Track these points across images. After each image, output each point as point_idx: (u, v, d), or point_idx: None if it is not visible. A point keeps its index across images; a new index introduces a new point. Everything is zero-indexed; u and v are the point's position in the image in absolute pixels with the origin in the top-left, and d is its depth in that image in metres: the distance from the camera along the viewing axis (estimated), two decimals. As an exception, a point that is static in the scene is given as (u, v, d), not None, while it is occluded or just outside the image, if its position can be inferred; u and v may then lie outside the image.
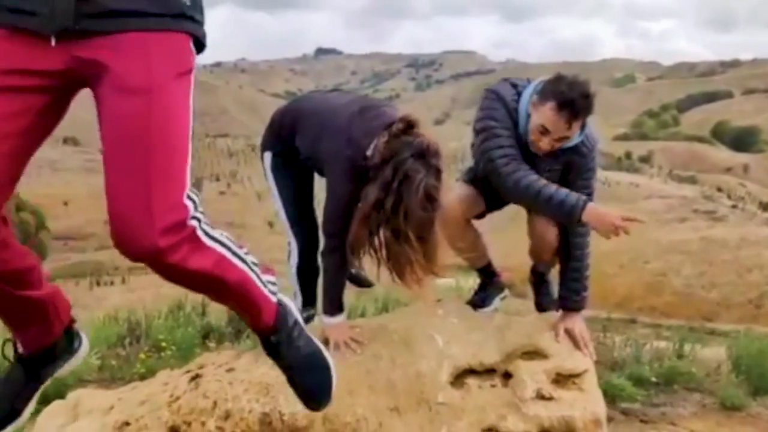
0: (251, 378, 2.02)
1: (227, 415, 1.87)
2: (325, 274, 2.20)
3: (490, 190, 2.43)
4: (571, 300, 2.37)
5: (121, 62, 1.07)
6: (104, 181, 1.11)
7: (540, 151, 2.24)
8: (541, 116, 2.15)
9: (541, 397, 1.99)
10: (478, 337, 2.24)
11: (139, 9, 1.07)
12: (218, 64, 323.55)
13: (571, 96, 2.08)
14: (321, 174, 2.25)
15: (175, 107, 1.12)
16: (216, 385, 2.01)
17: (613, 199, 77.25)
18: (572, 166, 2.36)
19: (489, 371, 2.12)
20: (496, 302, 2.62)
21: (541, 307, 2.70)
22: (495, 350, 2.18)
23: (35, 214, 31.99)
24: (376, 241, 1.86)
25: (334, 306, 2.18)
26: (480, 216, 2.58)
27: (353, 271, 2.55)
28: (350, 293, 2.63)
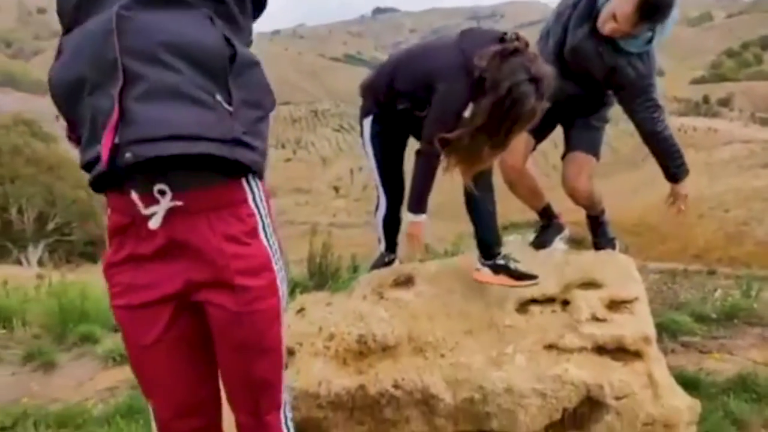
0: (346, 309, 2.43)
1: (331, 337, 2.28)
2: (419, 175, 2.31)
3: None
4: (669, 174, 2.76)
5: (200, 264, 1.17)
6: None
7: (601, 31, 2.46)
8: (617, 3, 2.37)
9: (595, 319, 2.29)
10: (539, 272, 2.55)
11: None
12: (277, 32, 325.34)
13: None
14: (416, 132, 2.40)
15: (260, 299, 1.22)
16: (319, 315, 2.43)
17: (689, 147, 73.66)
18: (621, 79, 2.56)
19: (549, 300, 2.44)
20: (556, 242, 2.91)
21: (598, 247, 2.98)
22: (555, 283, 2.49)
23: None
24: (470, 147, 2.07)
25: (420, 205, 2.34)
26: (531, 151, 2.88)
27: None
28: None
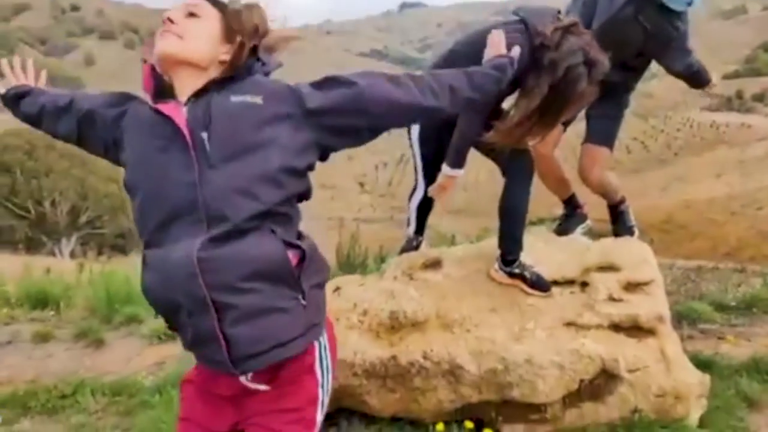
0: (379, 288, 2.63)
1: (365, 312, 2.48)
2: (461, 132, 2.38)
3: None
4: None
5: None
6: None
7: None
8: None
9: (612, 299, 2.45)
10: (561, 257, 2.72)
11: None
12: (304, 28, 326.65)
13: None
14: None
15: None
16: (353, 293, 2.63)
17: (721, 143, 72.37)
18: (662, 39, 2.74)
19: (569, 282, 2.60)
20: (578, 231, 3.07)
21: (617, 234, 3.12)
22: (575, 267, 2.65)
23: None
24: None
25: (459, 161, 2.43)
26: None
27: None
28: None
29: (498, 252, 2.61)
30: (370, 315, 2.47)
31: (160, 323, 4.08)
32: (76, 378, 3.24)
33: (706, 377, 2.42)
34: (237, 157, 1.16)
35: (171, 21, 1.24)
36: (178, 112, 1.21)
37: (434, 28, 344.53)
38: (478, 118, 2.31)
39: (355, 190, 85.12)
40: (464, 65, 2.33)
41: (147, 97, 1.30)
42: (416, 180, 2.80)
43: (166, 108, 1.21)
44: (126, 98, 1.38)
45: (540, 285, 2.53)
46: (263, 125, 1.19)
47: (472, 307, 2.51)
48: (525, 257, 2.60)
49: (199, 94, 1.22)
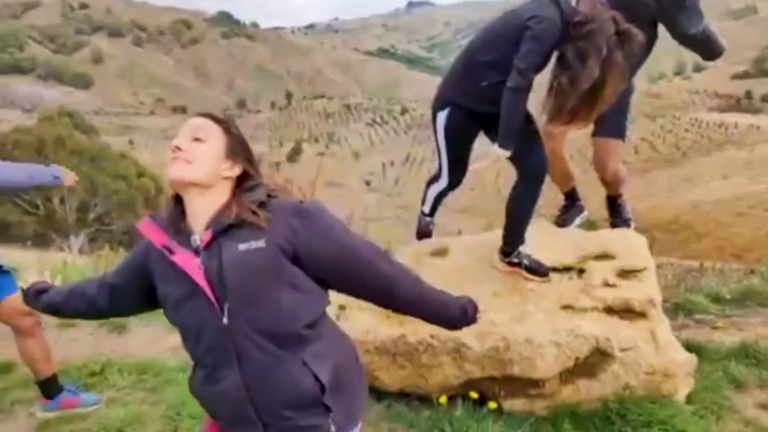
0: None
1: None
2: (510, 110, 2.42)
3: None
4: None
5: None
6: None
7: None
8: None
9: (606, 285, 2.63)
10: (560, 246, 2.90)
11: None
12: (311, 26, 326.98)
13: None
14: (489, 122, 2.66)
15: None
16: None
17: (730, 144, 72.16)
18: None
19: (567, 269, 2.78)
20: (576, 222, 3.25)
21: (615, 226, 3.30)
22: (573, 254, 2.83)
23: (154, 180, 34.78)
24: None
25: (510, 140, 2.47)
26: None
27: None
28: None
29: (501, 243, 2.79)
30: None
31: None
32: (103, 358, 3.44)
33: (693, 357, 2.60)
34: (252, 302, 1.28)
35: (179, 148, 1.36)
36: (193, 264, 1.30)
37: (442, 26, 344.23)
38: (524, 95, 2.41)
39: (362, 189, 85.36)
40: (487, 45, 2.53)
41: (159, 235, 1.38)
42: (439, 168, 2.93)
43: (181, 260, 1.31)
44: (143, 249, 1.46)
45: (538, 270, 2.71)
46: (269, 269, 1.29)
47: (477, 291, 2.67)
48: (524, 247, 2.79)
49: (210, 244, 1.31)
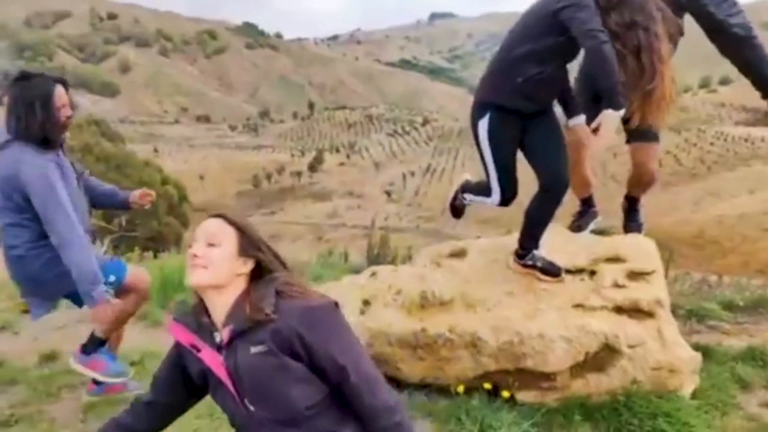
0: (411, 273, 3.01)
1: (398, 292, 2.86)
2: (604, 68, 2.42)
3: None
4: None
5: None
6: None
7: None
8: None
9: (616, 286, 2.79)
10: (573, 249, 3.07)
11: None
12: (335, 37, 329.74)
13: None
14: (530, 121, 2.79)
15: None
16: (388, 276, 3.02)
17: (757, 158, 71.18)
18: None
19: (579, 270, 2.94)
20: (591, 226, 3.40)
21: (628, 230, 3.45)
22: (585, 257, 2.99)
23: (177, 188, 35.47)
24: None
25: (617, 94, 2.45)
26: None
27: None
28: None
29: (517, 245, 2.97)
30: (403, 294, 2.85)
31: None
32: (143, 348, 3.67)
33: (698, 355, 2.74)
34: (265, 399, 1.43)
35: (196, 256, 1.51)
36: (217, 362, 1.46)
37: (464, 38, 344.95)
38: (607, 45, 2.43)
39: (382, 199, 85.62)
40: (520, 37, 2.69)
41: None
42: (488, 184, 2.92)
43: (207, 357, 1.48)
44: (175, 346, 1.61)
45: (551, 271, 2.88)
46: (277, 371, 1.41)
47: (492, 290, 2.88)
48: (539, 250, 2.96)
49: (229, 343, 1.46)
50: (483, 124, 2.81)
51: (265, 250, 1.55)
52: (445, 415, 2.65)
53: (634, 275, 2.86)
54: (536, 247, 2.93)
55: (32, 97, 2.54)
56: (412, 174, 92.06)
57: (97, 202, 3.02)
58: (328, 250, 7.22)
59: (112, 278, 2.78)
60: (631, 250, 3.00)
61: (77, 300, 2.82)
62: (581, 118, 2.90)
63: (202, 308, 1.54)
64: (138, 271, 3.00)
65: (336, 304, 1.49)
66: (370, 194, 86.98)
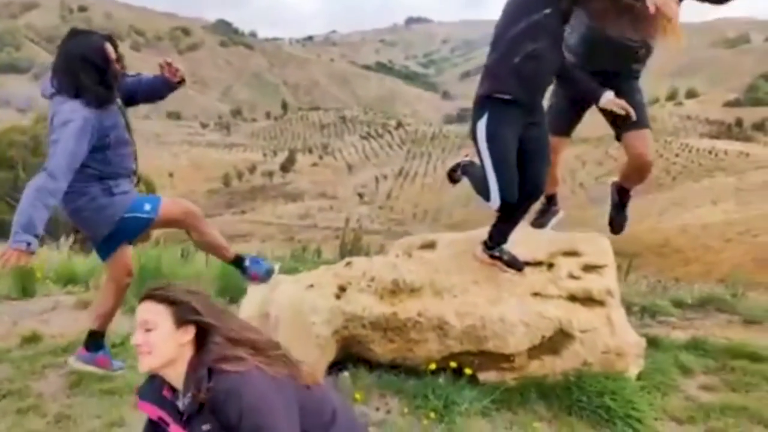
0: (384, 262, 3.22)
1: (372, 279, 3.06)
2: (576, 78, 2.97)
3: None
4: None
5: None
6: None
7: None
8: None
9: (571, 277, 3.05)
10: (534, 243, 3.32)
11: None
12: (310, 38, 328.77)
13: None
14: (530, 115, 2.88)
15: None
16: (363, 265, 3.22)
17: (719, 170, 73.23)
18: None
19: (539, 263, 3.19)
20: (552, 223, 3.66)
21: (613, 222, 3.62)
22: (544, 252, 3.24)
23: (146, 184, 35.16)
24: None
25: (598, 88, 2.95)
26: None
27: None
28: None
29: (486, 237, 3.19)
30: (376, 281, 3.05)
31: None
32: (123, 331, 3.80)
33: (642, 340, 3.01)
34: None
35: (138, 345, 1.58)
36: None
37: (439, 43, 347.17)
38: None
39: (354, 201, 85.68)
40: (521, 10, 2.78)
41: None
42: (486, 188, 2.91)
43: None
44: (150, 423, 1.69)
45: (515, 264, 3.12)
46: None
47: (459, 279, 3.10)
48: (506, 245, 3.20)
49: (189, 419, 1.54)
50: (481, 124, 2.88)
51: (202, 309, 1.61)
52: (414, 393, 2.86)
53: (589, 268, 3.12)
54: (504, 242, 3.16)
55: (84, 53, 2.70)
56: (385, 177, 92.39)
57: (149, 96, 3.16)
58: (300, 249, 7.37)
59: (147, 206, 2.94)
60: (586, 246, 3.26)
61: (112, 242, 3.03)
62: (610, 94, 2.95)
63: (161, 381, 1.64)
64: (172, 203, 3.07)
65: (264, 372, 1.52)
66: (343, 196, 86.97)
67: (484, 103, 2.91)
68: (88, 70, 2.72)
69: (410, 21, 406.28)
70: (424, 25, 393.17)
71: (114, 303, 3.25)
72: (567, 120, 3.48)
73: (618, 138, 3.30)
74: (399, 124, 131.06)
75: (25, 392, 3.02)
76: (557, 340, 2.89)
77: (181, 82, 3.14)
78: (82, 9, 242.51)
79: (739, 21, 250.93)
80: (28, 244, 2.55)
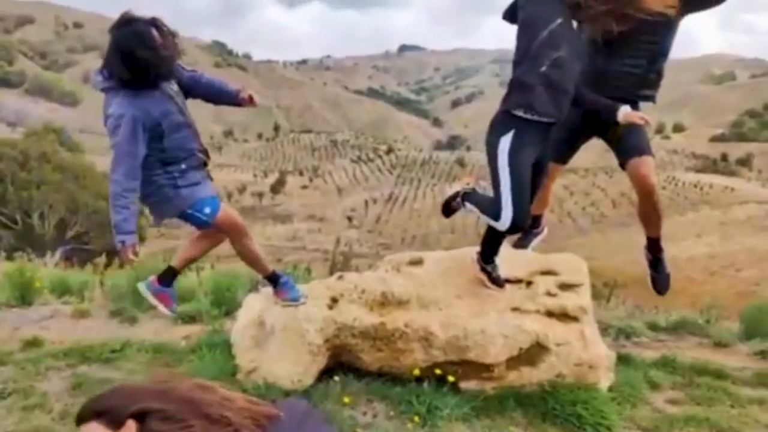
0: (373, 276, 3.43)
1: (363, 291, 3.27)
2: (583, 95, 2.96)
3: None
4: None
5: None
6: None
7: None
8: None
9: (548, 294, 3.27)
10: (515, 262, 3.54)
11: None
12: (304, 62, 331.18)
13: None
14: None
15: None
16: (353, 279, 3.43)
17: (704, 203, 74.18)
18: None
19: (518, 281, 3.42)
20: (534, 243, 3.89)
21: (655, 282, 3.62)
22: (524, 270, 3.47)
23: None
24: None
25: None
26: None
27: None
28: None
29: (480, 248, 3.35)
30: (366, 293, 3.26)
31: (184, 308, 4.83)
32: (122, 338, 3.97)
33: (613, 354, 3.23)
34: None
35: None
36: None
37: (431, 71, 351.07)
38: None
39: (343, 224, 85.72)
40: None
41: None
42: (497, 206, 2.90)
43: None
44: None
45: (497, 282, 3.34)
46: None
47: (444, 293, 3.32)
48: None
49: None
50: (506, 141, 2.86)
51: (130, 401, 1.40)
52: (399, 399, 3.06)
53: (565, 286, 3.35)
54: (496, 254, 3.31)
55: (122, 43, 2.75)
56: (375, 201, 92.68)
57: (206, 98, 3.26)
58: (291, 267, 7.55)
59: (207, 210, 3.10)
60: (563, 266, 3.50)
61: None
62: (626, 107, 3.03)
63: None
64: (225, 215, 3.17)
65: None
66: (332, 219, 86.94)
67: (510, 119, 2.89)
68: (129, 60, 2.73)
69: (403, 48, 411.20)
70: (416, 53, 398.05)
71: (200, 253, 3.42)
72: (566, 149, 3.56)
73: (622, 165, 3.32)
74: (390, 149, 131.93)
75: (29, 391, 3.18)
76: (534, 353, 3.10)
77: (250, 103, 3.29)
78: (78, 25, 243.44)
79: (725, 58, 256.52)
80: (123, 242, 2.89)
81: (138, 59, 2.74)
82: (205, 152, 3.19)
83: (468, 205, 3.30)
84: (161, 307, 3.36)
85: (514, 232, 2.98)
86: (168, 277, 3.38)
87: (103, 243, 30.96)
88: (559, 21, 2.79)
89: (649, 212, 3.42)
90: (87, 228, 31.43)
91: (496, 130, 2.94)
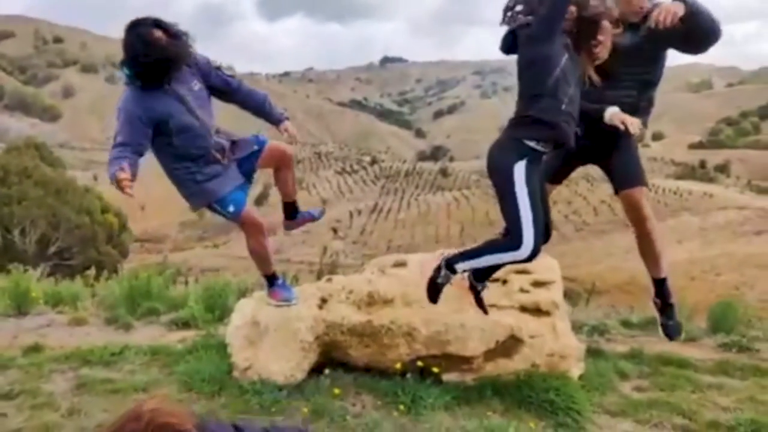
0: (360, 278, 3.67)
1: (350, 292, 3.50)
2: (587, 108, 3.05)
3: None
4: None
5: None
6: None
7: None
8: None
9: (522, 291, 3.53)
10: (492, 263, 3.78)
11: None
12: (287, 74, 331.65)
13: None
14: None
15: None
16: (342, 280, 3.66)
17: (684, 210, 75.23)
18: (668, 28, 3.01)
19: (495, 280, 3.66)
20: None
21: (666, 328, 3.78)
22: (501, 271, 3.72)
23: (118, 216, 34.73)
24: None
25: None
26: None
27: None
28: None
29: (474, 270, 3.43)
30: (354, 293, 3.50)
31: (178, 315, 5.02)
32: (120, 343, 4.15)
33: (583, 345, 3.49)
34: None
35: None
36: None
37: (413, 83, 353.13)
38: None
39: (328, 236, 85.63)
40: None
41: None
42: (517, 236, 2.81)
43: None
44: None
45: (481, 305, 3.37)
46: None
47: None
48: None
49: None
50: (521, 166, 2.82)
51: None
52: (385, 391, 3.28)
53: (537, 284, 3.61)
54: (488, 278, 3.35)
55: (126, 45, 2.93)
56: (359, 212, 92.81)
57: (242, 107, 3.49)
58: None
59: (231, 208, 3.30)
60: (536, 265, 3.74)
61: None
62: (614, 108, 3.16)
63: None
64: (246, 213, 3.36)
65: None
66: (316, 230, 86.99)
67: (522, 146, 2.87)
68: (133, 60, 2.92)
69: (385, 60, 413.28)
70: (399, 65, 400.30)
71: (286, 181, 3.77)
72: (561, 173, 3.78)
73: (616, 192, 3.45)
74: (374, 160, 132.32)
75: (36, 392, 3.36)
76: (510, 345, 3.35)
77: (289, 138, 3.59)
78: (58, 40, 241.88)
79: (702, 67, 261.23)
80: (122, 169, 2.84)
81: (140, 60, 2.92)
82: (222, 150, 3.32)
83: (460, 266, 3.12)
84: (274, 303, 3.52)
85: (533, 258, 2.86)
86: (269, 279, 3.60)
87: (85, 258, 30.82)
88: (565, 57, 2.83)
89: (646, 245, 3.55)
90: (69, 243, 31.23)
91: (507, 155, 2.88)
